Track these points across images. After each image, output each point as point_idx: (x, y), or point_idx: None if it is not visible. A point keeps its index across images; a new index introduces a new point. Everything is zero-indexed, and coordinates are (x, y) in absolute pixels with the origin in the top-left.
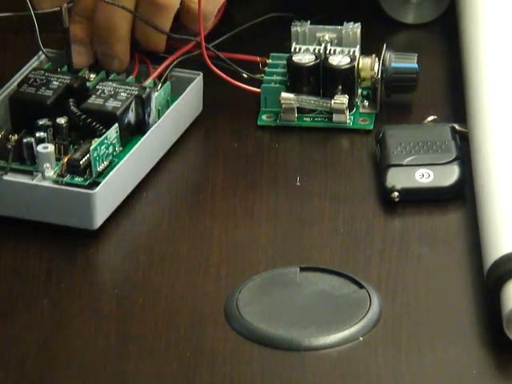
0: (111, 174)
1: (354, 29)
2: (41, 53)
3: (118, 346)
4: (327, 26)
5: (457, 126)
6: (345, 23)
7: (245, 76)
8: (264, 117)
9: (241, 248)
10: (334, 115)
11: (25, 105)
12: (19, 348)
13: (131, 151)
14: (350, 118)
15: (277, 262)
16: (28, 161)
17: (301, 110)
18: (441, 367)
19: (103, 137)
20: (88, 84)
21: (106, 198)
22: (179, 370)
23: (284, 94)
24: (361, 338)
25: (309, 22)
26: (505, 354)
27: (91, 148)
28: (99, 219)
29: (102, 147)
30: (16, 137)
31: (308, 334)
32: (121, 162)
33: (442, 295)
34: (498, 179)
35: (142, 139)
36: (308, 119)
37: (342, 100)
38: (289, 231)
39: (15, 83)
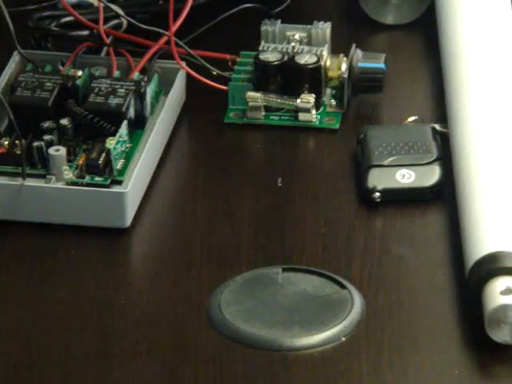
0: (136, 170)
1: (323, 28)
2: (15, 53)
3: (101, 347)
4: (297, 25)
5: (437, 127)
6: (314, 22)
7: (214, 73)
8: (231, 114)
9: (222, 249)
10: (300, 114)
11: (25, 109)
12: (6, 344)
13: (146, 146)
14: (316, 117)
15: (259, 263)
16: (39, 164)
17: (268, 109)
18: (423, 367)
19: (118, 135)
20: (77, 82)
21: (134, 195)
22: (161, 371)
23: (250, 93)
24: (343, 339)
25: (279, 21)
26: (487, 354)
27: (111, 147)
28: (130, 217)
29: (118, 145)
30: (23, 142)
31: (290, 334)
32: (141, 158)
33: (423, 295)
34: (479, 179)
35: (153, 134)
36: (275, 118)
37: (308, 99)
38: (270, 232)
39: (1, 87)
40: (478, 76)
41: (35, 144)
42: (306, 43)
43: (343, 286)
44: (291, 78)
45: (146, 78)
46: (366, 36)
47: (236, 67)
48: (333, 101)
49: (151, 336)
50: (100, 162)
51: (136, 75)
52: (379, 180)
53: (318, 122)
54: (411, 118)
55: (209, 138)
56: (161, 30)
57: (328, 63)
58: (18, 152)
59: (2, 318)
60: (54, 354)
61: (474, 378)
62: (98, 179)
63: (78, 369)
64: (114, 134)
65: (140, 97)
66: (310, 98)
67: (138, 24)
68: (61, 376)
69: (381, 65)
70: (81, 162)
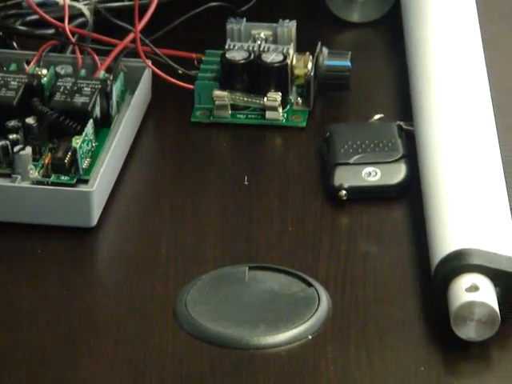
0: (102, 169)
1: (288, 26)
2: None
3: (66, 347)
4: (262, 24)
5: (403, 124)
6: (280, 21)
7: (180, 72)
8: (198, 113)
9: (189, 247)
10: (267, 112)
11: None
12: None
13: (113, 145)
14: (283, 115)
15: (225, 261)
16: (4, 164)
17: (235, 107)
18: (389, 364)
19: (84, 133)
20: (43, 81)
21: (100, 194)
22: (128, 370)
23: (217, 92)
24: (310, 337)
25: (244, 20)
26: (452, 351)
27: (77, 146)
28: (96, 216)
29: (84, 144)
30: None
31: (257, 332)
32: (107, 157)
33: (389, 292)
34: (444, 177)
35: (119, 132)
36: (241, 116)
37: (274, 97)
38: (237, 230)
39: None
40: (442, 74)
41: (0, 143)
42: (272, 41)
43: (310, 284)
44: (258, 76)
45: (111, 77)
46: (332, 34)
47: (202, 66)
48: (299, 99)
49: (117, 336)
50: (66, 161)
51: (102, 74)
52: (345, 178)
53: (284, 121)
54: (377, 116)
55: (175, 137)
56: (128, 26)
57: (294, 61)
58: None
59: None
60: (19, 354)
61: (440, 375)
62: (63, 178)
63: (43, 370)
64: (79, 133)
65: (106, 95)
66: (277, 97)
67: (106, 15)
68: (25, 377)
69: (346, 63)
70: (46, 161)
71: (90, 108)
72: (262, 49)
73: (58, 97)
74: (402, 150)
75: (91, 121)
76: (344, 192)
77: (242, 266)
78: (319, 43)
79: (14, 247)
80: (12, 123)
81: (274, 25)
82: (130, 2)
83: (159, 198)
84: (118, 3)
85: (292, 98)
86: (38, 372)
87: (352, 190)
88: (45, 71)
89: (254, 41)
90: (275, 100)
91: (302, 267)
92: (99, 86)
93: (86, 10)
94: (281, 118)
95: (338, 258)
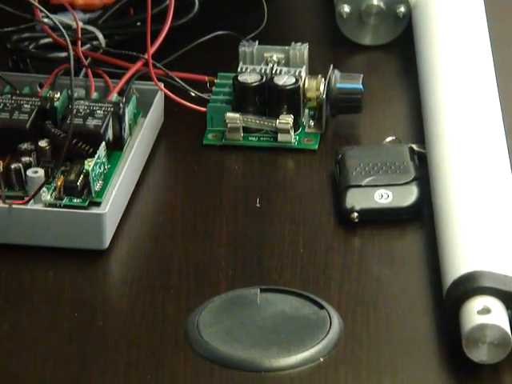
0: (114, 192)
1: (301, 49)
2: None
3: (78, 369)
4: (275, 47)
5: (415, 147)
6: (292, 44)
7: (192, 95)
8: (210, 136)
9: (201, 269)
10: (279, 135)
11: (3, 131)
12: None
13: (125, 168)
14: (295, 138)
15: (237, 284)
16: (17, 186)
17: (247, 130)
18: None
19: (96, 156)
20: (55, 104)
21: (112, 216)
22: None
23: (229, 114)
24: (321, 359)
25: (257, 42)
26: (464, 374)
27: (89, 169)
28: (108, 238)
29: (96, 167)
30: (0, 164)
31: (268, 355)
32: (120, 180)
33: (401, 315)
34: (456, 199)
35: (131, 155)
36: (254, 139)
37: (286, 120)
38: (249, 252)
39: None
40: (454, 97)
41: (13, 166)
42: (284, 64)
43: (321, 307)
44: (270, 99)
45: (124, 100)
46: (344, 57)
47: (214, 89)
48: (311, 121)
49: (129, 357)
50: (78, 183)
51: (114, 97)
52: (357, 200)
53: (296, 143)
54: (389, 138)
55: (187, 160)
56: (140, 54)
57: (306, 84)
58: None
59: None
60: (32, 378)
61: None
62: (76, 201)
63: None
64: (92, 156)
65: (118, 118)
66: (289, 119)
67: (112, 50)
68: None
69: (359, 85)
70: (59, 183)
71: (102, 131)
72: (274, 71)
73: (70, 120)
74: (414, 172)
75: (103, 143)
76: (356, 214)
77: (254, 288)
78: (331, 66)
79: (26, 269)
80: (25, 146)
81: (287, 47)
82: (143, 27)
83: (171, 220)
84: (131, 28)
85: (304, 120)
86: None
87: (364, 213)
88: (58, 94)
89: (267, 63)
90: (287, 122)
91: (313, 289)
92: (112, 109)
93: (99, 34)
94: (293, 141)
95: (349, 280)
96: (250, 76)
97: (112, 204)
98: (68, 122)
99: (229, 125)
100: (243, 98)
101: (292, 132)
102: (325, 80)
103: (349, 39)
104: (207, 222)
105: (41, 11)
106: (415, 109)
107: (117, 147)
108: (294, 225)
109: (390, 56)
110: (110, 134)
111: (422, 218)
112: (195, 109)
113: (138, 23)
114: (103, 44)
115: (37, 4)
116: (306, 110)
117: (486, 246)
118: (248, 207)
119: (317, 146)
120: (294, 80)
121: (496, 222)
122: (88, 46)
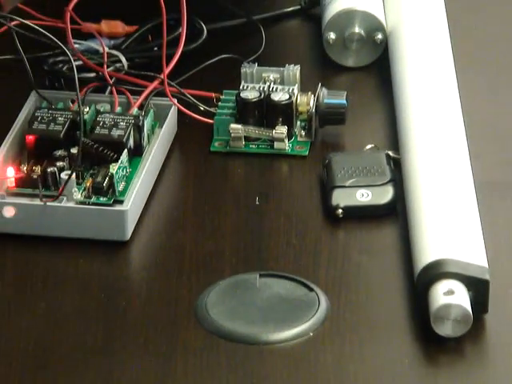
0: (135, 192)
1: (294, 70)
2: (33, 93)
3: (103, 345)
4: (272, 68)
5: (391, 153)
6: (286, 65)
7: (201, 109)
8: (216, 144)
9: (209, 258)
10: (275, 143)
11: (40, 139)
12: (22, 343)
13: (144, 171)
14: (288, 146)
15: (239, 270)
16: (53, 187)
17: (247, 139)
18: (379, 357)
19: (119, 161)
20: (85, 117)
21: (133, 213)
22: (157, 363)
23: (233, 125)
24: (311, 334)
25: (256, 64)
26: (432, 346)
27: (113, 172)
28: (129, 231)
29: (120, 170)
30: (39, 167)
31: (266, 330)
32: (139, 181)
33: (379, 296)
34: (425, 198)
35: (149, 160)
36: (253, 146)
37: (281, 130)
38: (249, 243)
39: (20, 121)
40: (423, 110)
41: (49, 169)
42: (280, 83)
43: (311, 289)
44: (267, 112)
45: (143, 113)
46: (330, 77)
47: (220, 104)
48: (303, 131)
49: (148, 333)
50: (104, 184)
51: (135, 111)
52: (342, 199)
53: (290, 150)
54: (368, 146)
55: (197, 164)
56: (156, 75)
57: (298, 100)
58: (35, 176)
59: (20, 319)
60: (63, 351)
61: (421, 366)
62: (102, 199)
63: (86, 361)
64: (116, 161)
65: (138, 129)
66: (284, 130)
67: (133, 71)
68: (70, 368)
69: (343, 101)
70: (88, 184)
71: (124, 140)
72: (271, 89)
73: (98, 130)
74: (390, 174)
75: (126, 150)
76: (340, 211)
77: (254, 273)
78: (319, 84)
79: (60, 257)
80: (59, 152)
81: (282, 69)
82: (159, 51)
83: (183, 215)
84: (149, 53)
85: (296, 130)
86: (78, 367)
87: (347, 209)
88: (87, 109)
89: (265, 82)
90: (282, 133)
91: (304, 275)
92: (133, 121)
93: (122, 57)
94: (287, 148)
95: (335, 266)
96: (250, 93)
97: (133, 202)
98: (96, 132)
99: (232, 134)
100: (245, 111)
101: (286, 140)
102: (314, 96)
103: (334, 62)
104: (214, 217)
105: (73, 38)
106: (391, 121)
107: (137, 153)
108: (288, 220)
109: (369, 76)
110: (131, 143)
111: (397, 213)
112: (204, 121)
113: (155, 48)
114: (125, 66)
115: (70, 38)
116: (298, 122)
117: (450, 238)
118: (249, 205)
119: (307, 153)
120: (287, 96)
121: (458, 216)
122: (112, 67)
